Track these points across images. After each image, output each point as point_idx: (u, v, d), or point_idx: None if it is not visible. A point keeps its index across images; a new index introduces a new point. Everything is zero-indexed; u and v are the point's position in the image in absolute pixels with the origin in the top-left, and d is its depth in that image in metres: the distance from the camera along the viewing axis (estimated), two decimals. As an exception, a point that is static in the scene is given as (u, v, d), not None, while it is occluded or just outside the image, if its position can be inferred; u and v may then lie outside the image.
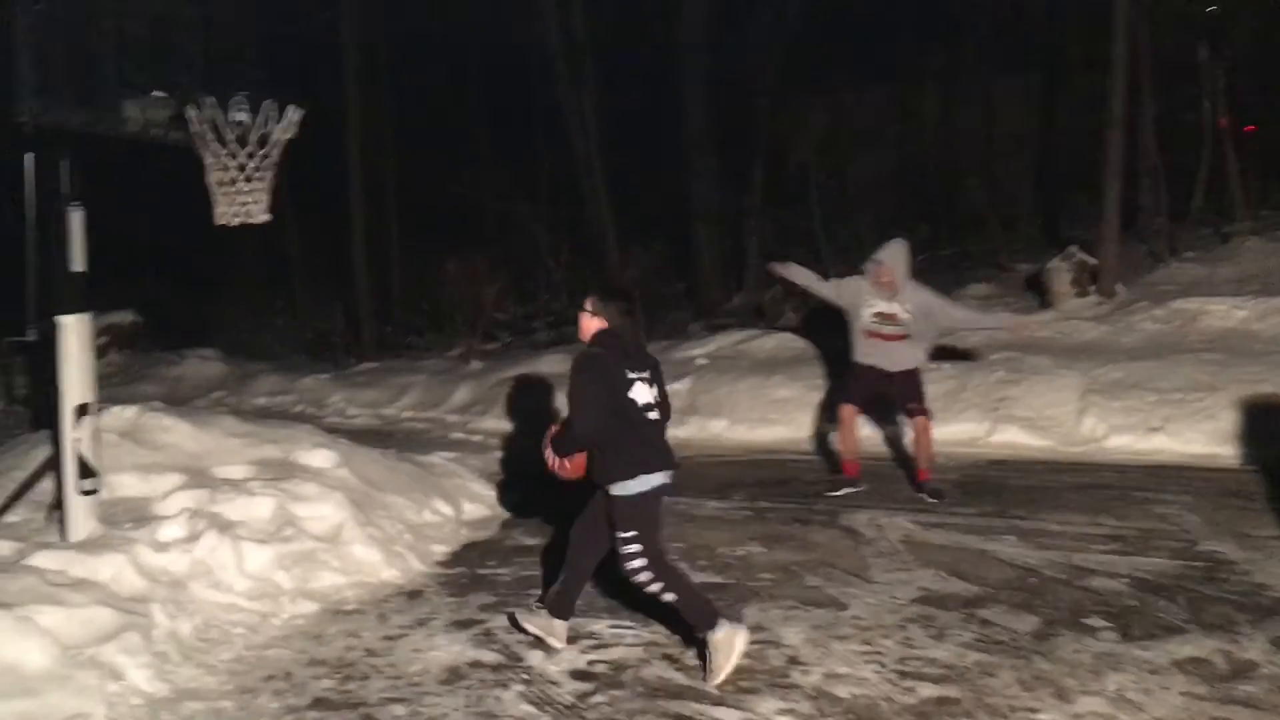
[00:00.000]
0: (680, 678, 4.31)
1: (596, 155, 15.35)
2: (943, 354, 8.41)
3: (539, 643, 4.66)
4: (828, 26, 15.99)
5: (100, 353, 7.56)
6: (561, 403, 6.17)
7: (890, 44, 16.79)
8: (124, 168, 13.50)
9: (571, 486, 4.60)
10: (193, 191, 5.62)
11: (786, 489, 7.63)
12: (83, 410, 5.22)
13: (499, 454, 8.87)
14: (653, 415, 4.50)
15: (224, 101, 5.14)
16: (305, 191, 16.16)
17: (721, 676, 4.23)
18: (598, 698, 4.16)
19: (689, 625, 4.48)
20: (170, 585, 5.02)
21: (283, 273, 19.43)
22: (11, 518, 5.52)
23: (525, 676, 4.39)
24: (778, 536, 6.34)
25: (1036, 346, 9.51)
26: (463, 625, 5.04)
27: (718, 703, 4.07)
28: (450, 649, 4.74)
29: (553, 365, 10.65)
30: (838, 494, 7.29)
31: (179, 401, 10.58)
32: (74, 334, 5.21)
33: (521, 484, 7.65)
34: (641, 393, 4.45)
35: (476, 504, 7.31)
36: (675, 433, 9.61)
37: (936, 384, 8.30)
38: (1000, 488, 7.25)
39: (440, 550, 6.35)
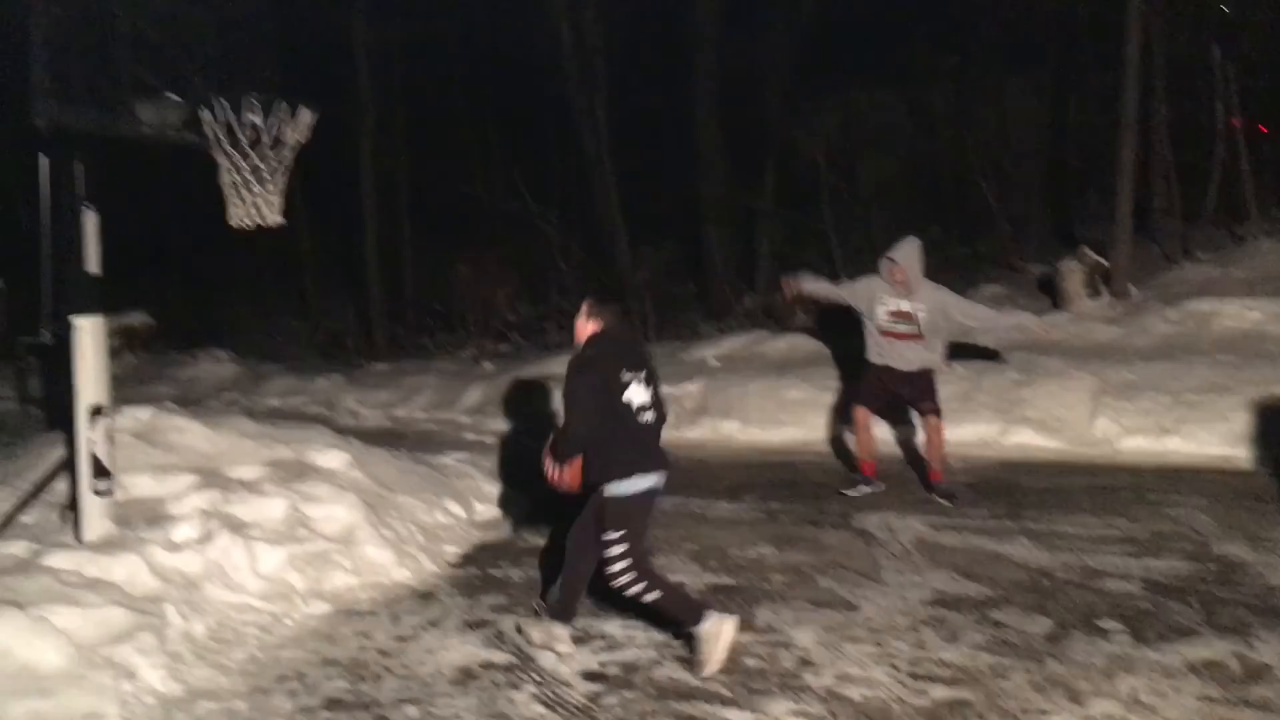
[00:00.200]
0: (692, 679, 4.31)
1: (607, 156, 15.35)
2: (956, 353, 8.39)
3: (552, 641, 4.67)
4: (839, 26, 15.96)
5: (114, 354, 7.58)
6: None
7: (902, 44, 16.74)
8: (138, 170, 13.56)
9: (571, 498, 4.62)
10: (206, 193, 5.64)
11: (798, 490, 7.62)
12: (97, 411, 5.24)
13: (509, 455, 8.88)
14: (647, 417, 4.53)
15: (237, 103, 5.15)
16: (317, 193, 16.20)
17: (712, 667, 4.28)
18: (609, 699, 4.16)
19: (676, 623, 4.52)
20: (184, 585, 5.04)
21: (295, 274, 19.47)
22: (27, 518, 5.54)
23: (537, 677, 4.40)
24: (790, 538, 6.34)
25: (1049, 348, 9.48)
26: (475, 626, 5.05)
27: (729, 704, 4.07)
28: (462, 650, 4.75)
29: (564, 366, 10.64)
30: (854, 494, 7.30)
31: (192, 402, 10.61)
32: (88, 335, 5.23)
33: (533, 485, 7.66)
34: (637, 394, 4.48)
35: (488, 505, 7.32)
36: (687, 434, 9.78)
37: (948, 385, 8.28)
38: (1012, 489, 7.24)
39: (452, 551, 6.36)
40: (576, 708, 4.10)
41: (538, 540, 6.52)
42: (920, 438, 7.82)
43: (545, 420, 8.77)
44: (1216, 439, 7.90)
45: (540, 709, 4.11)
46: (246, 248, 16.09)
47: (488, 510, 7.24)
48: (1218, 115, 12.58)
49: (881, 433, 8.32)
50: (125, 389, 10.44)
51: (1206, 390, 8.32)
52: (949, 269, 10.38)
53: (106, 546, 5.13)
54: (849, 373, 9.39)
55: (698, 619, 4.35)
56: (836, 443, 8.97)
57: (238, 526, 5.59)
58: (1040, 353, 9.35)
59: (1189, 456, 7.81)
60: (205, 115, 5.13)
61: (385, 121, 17.32)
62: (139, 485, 5.96)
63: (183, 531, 5.42)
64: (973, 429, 8.62)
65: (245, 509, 5.82)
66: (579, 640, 4.72)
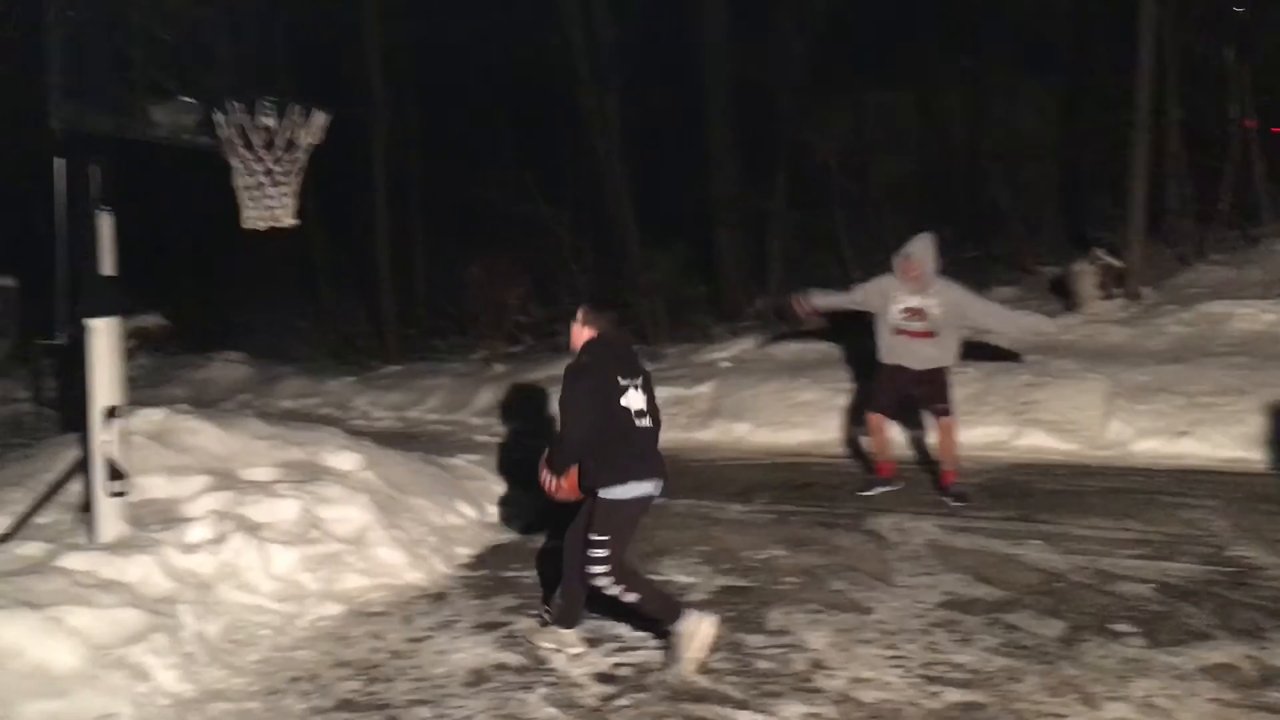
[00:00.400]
0: (703, 681, 4.31)
1: (618, 157, 15.36)
2: (969, 352, 8.37)
3: (563, 646, 4.67)
4: (851, 27, 15.94)
5: (129, 356, 7.61)
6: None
7: (914, 45, 16.72)
8: (152, 172, 13.61)
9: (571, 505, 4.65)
10: (220, 196, 5.66)
11: (810, 492, 7.61)
12: (112, 412, 5.27)
13: (521, 456, 8.89)
14: (645, 422, 4.55)
15: (251, 106, 5.17)
16: (330, 195, 16.24)
17: (688, 665, 4.31)
18: (622, 700, 4.16)
19: (655, 622, 4.54)
20: (197, 587, 5.06)
21: (308, 276, 19.52)
22: (41, 519, 5.56)
23: (549, 679, 4.40)
24: (802, 540, 6.33)
25: (1062, 349, 9.46)
26: (487, 628, 5.06)
27: (741, 706, 4.07)
28: (475, 651, 4.76)
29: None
30: (870, 494, 7.30)
31: (206, 404, 10.65)
32: (103, 337, 5.25)
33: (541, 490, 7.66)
34: (634, 400, 4.51)
35: (500, 506, 7.33)
36: (698, 436, 9.78)
37: (961, 387, 8.24)
38: (1025, 492, 7.22)
39: (464, 553, 6.37)
40: (589, 709, 4.10)
41: (550, 541, 6.52)
42: (932, 439, 7.80)
43: (555, 423, 8.77)
44: (1231, 441, 7.86)
45: (552, 711, 4.11)
46: (260, 250, 16.14)
47: (499, 512, 7.25)
48: (1231, 116, 12.53)
49: (893, 434, 8.29)
50: (139, 390, 10.49)
51: (1221, 392, 8.28)
52: (961, 271, 10.31)
53: (121, 547, 5.15)
54: (861, 374, 9.38)
55: (676, 618, 4.39)
56: (849, 445, 8.96)
57: (251, 528, 5.61)
58: (1053, 354, 9.33)
59: (1203, 459, 7.78)
60: (219, 118, 5.15)
61: (397, 124, 17.35)
62: (153, 486, 5.99)
63: (196, 533, 5.44)
64: (985, 431, 8.59)
65: (258, 510, 5.84)
66: (591, 642, 4.72)
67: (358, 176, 16.39)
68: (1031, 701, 4.00)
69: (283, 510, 5.91)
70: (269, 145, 5.29)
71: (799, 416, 9.63)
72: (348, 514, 6.10)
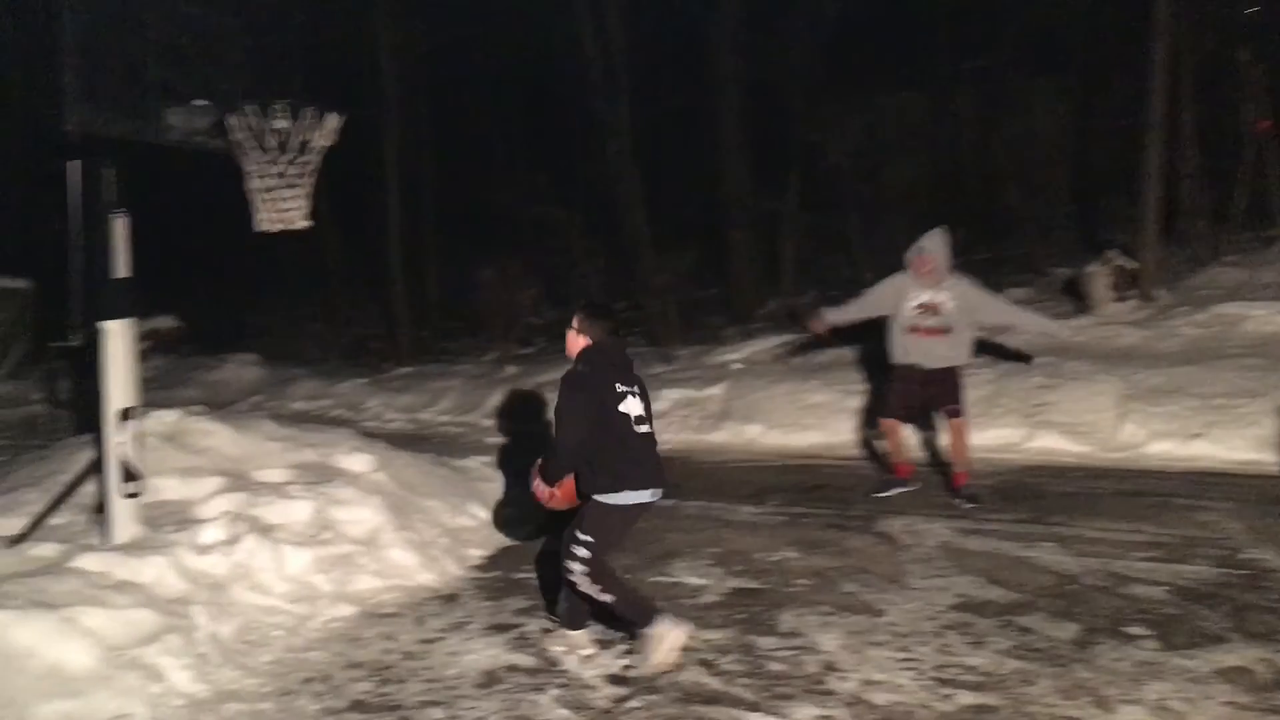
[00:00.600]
0: (715, 683, 4.31)
1: (630, 160, 15.37)
2: (982, 352, 8.34)
3: (574, 648, 4.68)
4: (863, 29, 15.93)
5: (143, 357, 7.64)
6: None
7: (926, 46, 16.69)
8: (165, 175, 13.66)
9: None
10: (233, 198, 5.68)
11: (822, 494, 7.61)
12: (126, 414, 5.29)
13: (532, 458, 8.90)
14: (644, 429, 4.55)
15: (264, 109, 5.19)
16: (343, 197, 16.30)
17: (650, 667, 4.35)
18: (633, 702, 4.16)
19: (628, 624, 4.55)
20: (211, 588, 5.07)
21: (320, 278, 19.59)
22: (56, 520, 5.59)
23: (561, 681, 4.41)
24: (813, 542, 6.32)
25: (1075, 351, 9.42)
26: (499, 629, 5.07)
27: (753, 708, 4.06)
28: (486, 653, 4.76)
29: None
30: (887, 495, 7.30)
31: (219, 405, 10.68)
32: (118, 339, 5.28)
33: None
34: (632, 406, 4.51)
35: (512, 508, 7.32)
36: (710, 438, 9.79)
37: (973, 388, 8.23)
38: (1038, 494, 7.20)
39: (476, 554, 6.38)
40: (601, 711, 4.11)
41: (551, 545, 6.52)
42: (944, 441, 7.79)
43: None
44: (1245, 444, 7.82)
45: (564, 712, 4.11)
46: (272, 252, 16.22)
47: (511, 513, 7.25)
48: (1245, 117, 12.47)
49: (908, 435, 8.28)
50: (153, 392, 10.52)
51: (1235, 394, 8.25)
52: (974, 272, 10.25)
53: (135, 548, 5.17)
54: (873, 376, 9.37)
55: (649, 622, 4.40)
56: (863, 447, 8.95)
57: (264, 529, 5.63)
58: (1066, 356, 9.30)
59: (1217, 461, 7.75)
60: (233, 121, 5.17)
61: (410, 126, 17.40)
62: (167, 488, 6.01)
63: (210, 534, 5.46)
64: (997, 433, 8.57)
65: (271, 511, 5.86)
66: (602, 644, 4.72)
67: (370, 178, 16.44)
68: (1044, 704, 3.98)
69: (296, 511, 5.93)
70: (282, 148, 5.32)
71: (810, 418, 9.62)
72: (360, 515, 6.12)
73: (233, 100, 5.19)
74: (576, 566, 4.45)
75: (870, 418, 9.05)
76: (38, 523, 5.50)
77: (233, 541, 5.42)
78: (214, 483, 6.12)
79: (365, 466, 6.82)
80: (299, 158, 5.39)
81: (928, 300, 7.18)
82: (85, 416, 7.79)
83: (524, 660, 4.65)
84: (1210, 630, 4.62)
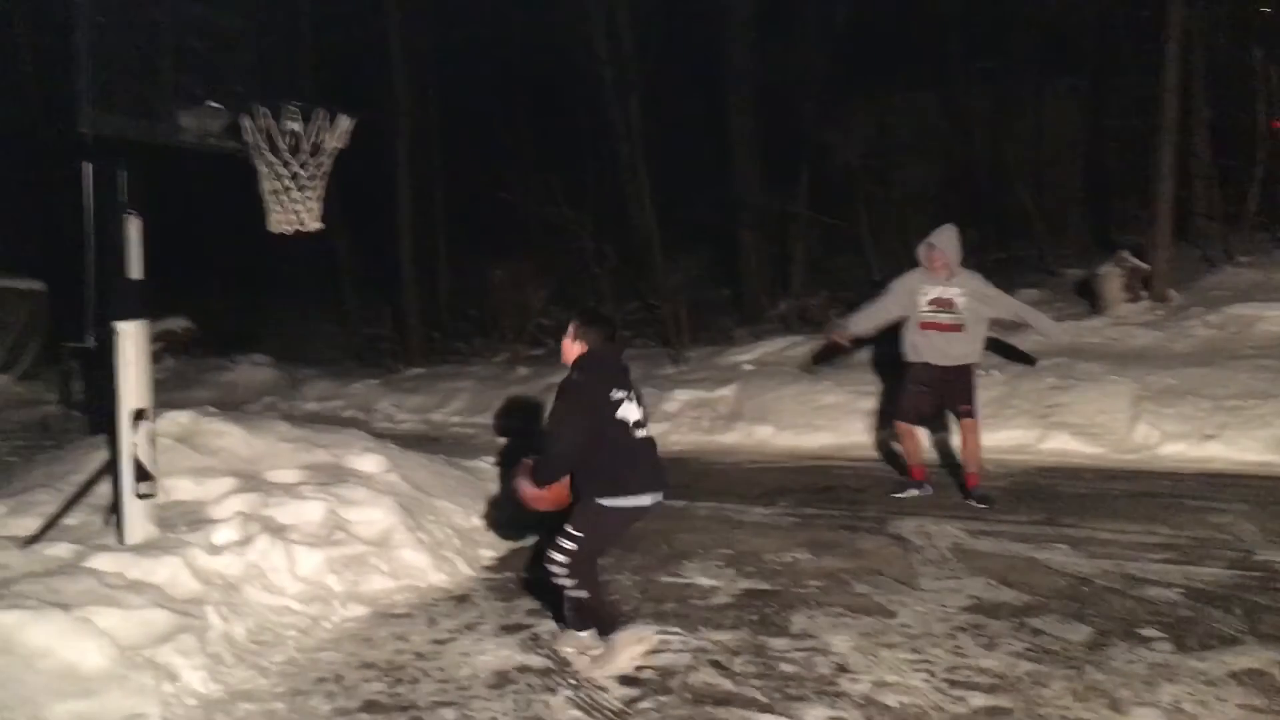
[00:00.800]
0: (727, 684, 4.31)
1: (641, 161, 15.38)
2: (993, 353, 8.32)
3: (585, 649, 4.68)
4: (875, 30, 15.91)
5: (155, 358, 7.67)
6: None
7: (938, 46, 16.67)
8: (179, 177, 13.72)
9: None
10: (246, 200, 5.70)
11: (833, 496, 7.60)
12: (139, 415, 5.31)
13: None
14: (642, 433, 4.56)
15: (277, 111, 5.21)
16: (354, 198, 16.33)
17: (609, 671, 4.39)
18: (645, 703, 4.16)
19: (593, 624, 4.58)
20: (224, 588, 5.09)
21: (332, 279, 19.64)
22: (70, 520, 5.61)
23: (573, 681, 4.41)
24: (825, 543, 6.32)
25: (1088, 352, 9.41)
26: (510, 630, 5.07)
27: (765, 710, 4.06)
28: (498, 653, 4.77)
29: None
30: (902, 495, 7.30)
31: (231, 406, 10.71)
32: (131, 340, 5.30)
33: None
34: (630, 411, 4.51)
35: (523, 509, 7.33)
36: (721, 439, 9.79)
37: (985, 389, 8.22)
38: (1051, 495, 7.18)
39: (488, 555, 6.39)
40: (612, 712, 4.10)
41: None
42: (956, 442, 7.77)
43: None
44: (1258, 445, 7.80)
45: (576, 713, 4.11)
46: (284, 253, 16.25)
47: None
48: (1259, 117, 12.42)
49: (921, 437, 8.26)
50: (166, 393, 10.56)
51: (1248, 396, 8.22)
52: (986, 273, 10.24)
53: (148, 549, 5.19)
54: (884, 377, 9.36)
55: (614, 628, 4.46)
56: (872, 448, 8.94)
57: (277, 529, 5.65)
58: (1079, 357, 9.28)
59: (1230, 462, 7.72)
60: (246, 123, 5.19)
61: (421, 128, 17.44)
62: (180, 488, 6.03)
63: (223, 534, 5.47)
64: (1009, 434, 8.56)
65: (284, 512, 5.87)
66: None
67: (381, 180, 16.48)
68: (1057, 707, 3.97)
69: (308, 512, 5.94)
70: (295, 149, 5.33)
71: (821, 419, 9.62)
72: (372, 516, 6.13)
73: (246, 102, 5.21)
74: (559, 557, 4.47)
75: (883, 419, 9.04)
76: (52, 523, 5.52)
77: (245, 542, 5.43)
78: (227, 483, 6.14)
79: (377, 467, 6.83)
80: (311, 159, 5.40)
81: (940, 295, 7.19)
82: (98, 417, 7.83)
83: (536, 661, 4.65)
84: (1224, 632, 4.60)
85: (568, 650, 4.69)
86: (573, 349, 4.62)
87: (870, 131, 16.90)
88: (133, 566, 4.99)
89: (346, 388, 13.62)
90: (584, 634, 4.67)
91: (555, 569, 4.48)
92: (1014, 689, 4.14)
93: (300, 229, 5.51)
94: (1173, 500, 6.86)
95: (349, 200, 16.02)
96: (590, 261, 15.58)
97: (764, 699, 4.15)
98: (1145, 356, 9.41)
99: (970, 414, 7.23)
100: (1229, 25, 12.68)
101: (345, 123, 5.46)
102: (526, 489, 4.61)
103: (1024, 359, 9.25)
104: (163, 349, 14.94)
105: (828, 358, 10.14)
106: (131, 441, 5.29)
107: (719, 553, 6.22)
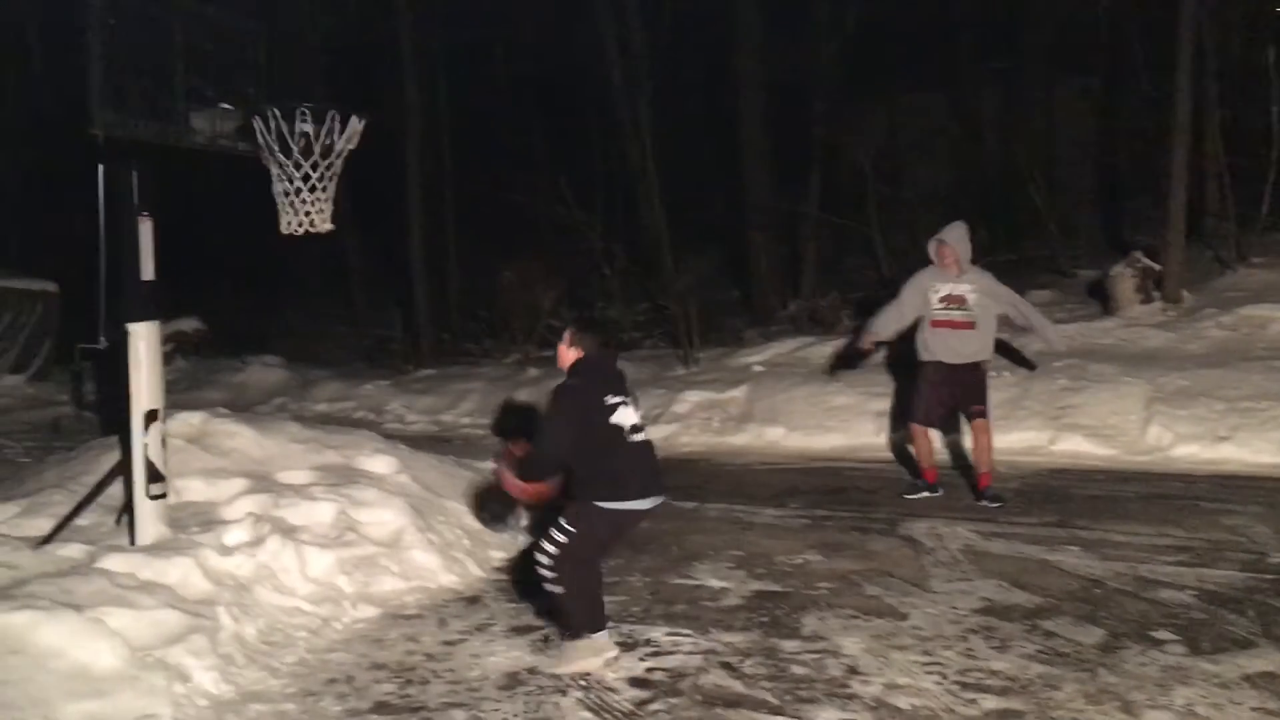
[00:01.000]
0: (738, 686, 4.30)
1: (652, 162, 15.38)
2: (997, 351, 8.28)
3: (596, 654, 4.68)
4: (885, 30, 15.89)
5: (167, 359, 7.69)
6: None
7: (949, 47, 16.64)
8: (191, 178, 13.78)
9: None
10: (257, 201, 5.71)
11: (845, 497, 7.59)
12: (151, 416, 5.32)
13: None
14: (640, 437, 4.56)
15: (289, 113, 5.22)
16: (364, 199, 16.37)
17: (565, 670, 4.46)
18: (656, 705, 4.16)
19: (560, 622, 4.66)
20: (235, 588, 5.09)
21: (342, 281, 19.68)
22: (82, 521, 5.62)
23: (583, 683, 4.40)
24: (836, 545, 6.31)
25: (1100, 353, 9.38)
26: (521, 631, 5.07)
27: (776, 711, 4.05)
28: (509, 655, 4.77)
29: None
30: (914, 497, 7.30)
31: (243, 407, 10.75)
32: (143, 341, 5.30)
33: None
34: (626, 416, 4.52)
35: (533, 510, 7.33)
36: (731, 440, 9.78)
37: (997, 391, 8.20)
38: (1063, 497, 7.16)
39: (498, 556, 6.39)
40: (623, 714, 4.10)
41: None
42: (968, 443, 7.75)
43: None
44: (1272, 447, 7.77)
45: (586, 715, 4.11)
46: (295, 255, 16.30)
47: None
48: (1273, 117, 12.36)
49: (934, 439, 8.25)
50: (177, 394, 10.60)
51: (1261, 397, 8.19)
52: (997, 274, 10.26)
53: (160, 549, 5.20)
54: (895, 378, 9.34)
55: (578, 635, 4.51)
56: (883, 450, 8.92)
57: (288, 530, 5.65)
58: (1091, 359, 9.25)
59: (1244, 464, 7.69)
60: (258, 125, 5.20)
61: (431, 128, 17.46)
62: (191, 489, 6.05)
63: (234, 535, 5.48)
64: (1021, 436, 8.54)
65: (295, 513, 5.88)
66: (625, 647, 4.72)
67: (392, 181, 16.51)
68: (1070, 709, 3.95)
69: (319, 513, 5.95)
70: (306, 151, 5.34)
71: (832, 421, 9.61)
72: (383, 517, 6.13)
73: (257, 104, 5.22)
74: (548, 548, 4.48)
75: (895, 420, 9.03)
76: (64, 524, 5.53)
77: (257, 543, 5.44)
78: (238, 484, 6.15)
79: (388, 468, 6.84)
80: (322, 161, 5.41)
81: (951, 292, 7.22)
82: (110, 418, 7.85)
83: (546, 662, 4.65)
84: (1238, 635, 4.58)
85: (581, 652, 4.68)
86: (569, 355, 4.65)
87: (881, 132, 16.86)
88: (144, 567, 5.00)
89: (357, 389, 13.65)
90: (597, 635, 4.67)
91: (541, 559, 4.51)
92: (1026, 691, 4.12)
93: (311, 230, 5.52)
94: (1186, 502, 6.83)
95: (359, 201, 16.06)
96: (600, 262, 15.58)
97: (775, 701, 4.14)
98: (1158, 358, 9.38)
99: (982, 414, 7.22)
100: (1242, 25, 12.62)
101: (356, 124, 5.46)
102: (507, 478, 4.65)
103: (1025, 364, 9.21)
104: (174, 350, 15.00)
105: (850, 363, 10.11)
106: (143, 442, 5.30)
107: (730, 554, 6.21)
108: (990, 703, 4.03)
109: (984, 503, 7.02)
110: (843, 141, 15.81)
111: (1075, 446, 8.41)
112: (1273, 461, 7.63)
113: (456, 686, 4.43)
